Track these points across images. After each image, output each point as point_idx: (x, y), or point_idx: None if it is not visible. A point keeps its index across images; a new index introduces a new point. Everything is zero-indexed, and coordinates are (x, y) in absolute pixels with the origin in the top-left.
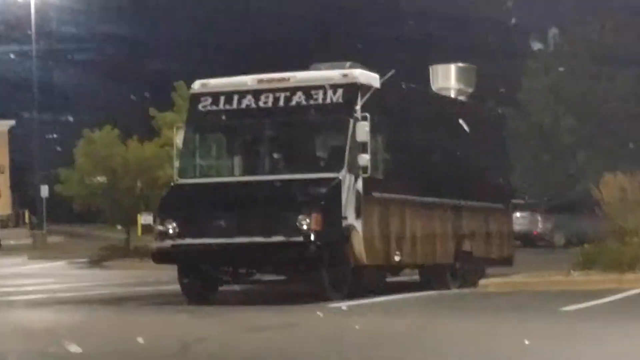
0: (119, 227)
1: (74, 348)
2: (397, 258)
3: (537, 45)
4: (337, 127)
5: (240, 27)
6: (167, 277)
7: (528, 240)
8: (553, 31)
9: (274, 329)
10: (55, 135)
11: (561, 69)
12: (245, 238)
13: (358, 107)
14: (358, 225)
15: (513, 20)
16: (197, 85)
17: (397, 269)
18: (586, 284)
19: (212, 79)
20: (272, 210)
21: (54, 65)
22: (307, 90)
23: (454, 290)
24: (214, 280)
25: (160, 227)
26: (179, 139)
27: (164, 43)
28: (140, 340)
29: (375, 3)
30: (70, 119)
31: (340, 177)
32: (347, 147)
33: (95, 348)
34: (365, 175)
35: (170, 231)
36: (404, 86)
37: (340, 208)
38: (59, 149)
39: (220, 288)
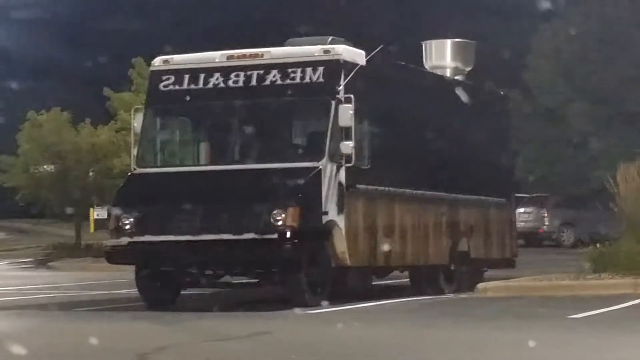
0: (69, 210)
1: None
2: (384, 253)
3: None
4: (317, 109)
5: None
6: (122, 280)
7: (533, 239)
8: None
9: (241, 338)
10: None
11: (572, 47)
12: (212, 235)
13: (341, 88)
14: (340, 221)
15: None
16: (158, 61)
17: (384, 270)
18: (598, 288)
19: (175, 55)
20: (242, 204)
21: None
22: (283, 67)
23: (449, 295)
24: (176, 282)
25: (115, 223)
26: (137, 122)
27: (119, 12)
28: (91, 350)
29: None
30: (12, 98)
31: (321, 167)
32: (329, 133)
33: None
34: (349, 165)
35: (127, 227)
36: (393, 64)
37: (320, 202)
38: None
39: (183, 292)
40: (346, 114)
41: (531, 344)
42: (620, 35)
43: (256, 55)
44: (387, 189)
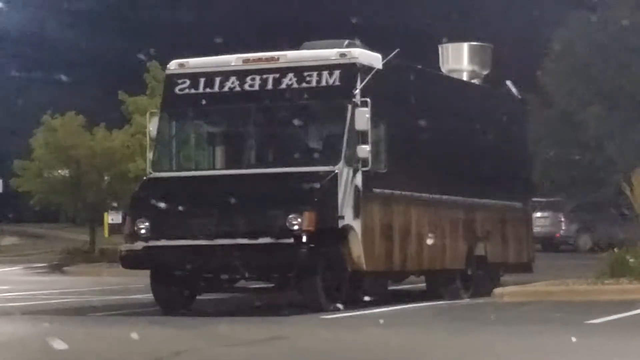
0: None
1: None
2: (401, 258)
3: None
4: (333, 113)
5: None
6: (138, 284)
7: (550, 243)
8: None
9: (258, 343)
10: (10, 122)
11: (588, 50)
12: (228, 240)
13: (357, 91)
14: (356, 225)
15: None
16: (173, 65)
17: (400, 275)
18: (615, 293)
19: (190, 59)
20: (258, 208)
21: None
22: (299, 71)
23: (466, 300)
24: (191, 287)
25: (130, 227)
26: (152, 126)
27: (133, 17)
28: (107, 355)
29: None
30: (27, 102)
31: (337, 171)
32: (345, 137)
33: None
34: (365, 169)
35: (142, 232)
36: (409, 67)
37: (336, 206)
38: (14, 136)
39: (199, 297)
40: (362, 117)
41: (550, 349)
42: (636, 39)
43: (272, 59)
44: (403, 193)
